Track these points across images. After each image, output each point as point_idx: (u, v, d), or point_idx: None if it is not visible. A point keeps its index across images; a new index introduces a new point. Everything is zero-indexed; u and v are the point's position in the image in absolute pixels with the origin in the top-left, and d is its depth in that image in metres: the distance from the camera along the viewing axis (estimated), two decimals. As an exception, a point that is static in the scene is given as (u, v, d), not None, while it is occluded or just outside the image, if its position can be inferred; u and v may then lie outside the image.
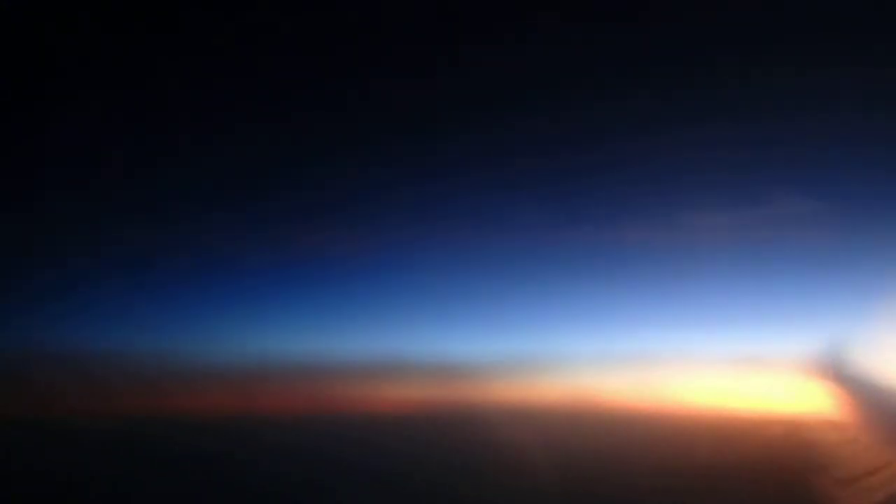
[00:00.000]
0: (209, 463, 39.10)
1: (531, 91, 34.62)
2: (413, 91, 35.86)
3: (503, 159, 43.38)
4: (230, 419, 66.98)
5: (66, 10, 23.28)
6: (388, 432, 57.46)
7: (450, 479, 32.66)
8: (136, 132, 38.94)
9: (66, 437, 49.64)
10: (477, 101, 37.45)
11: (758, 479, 31.07)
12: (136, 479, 32.97)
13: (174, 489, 30.83)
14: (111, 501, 28.82)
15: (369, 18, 27.50)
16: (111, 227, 50.85)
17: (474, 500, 27.82)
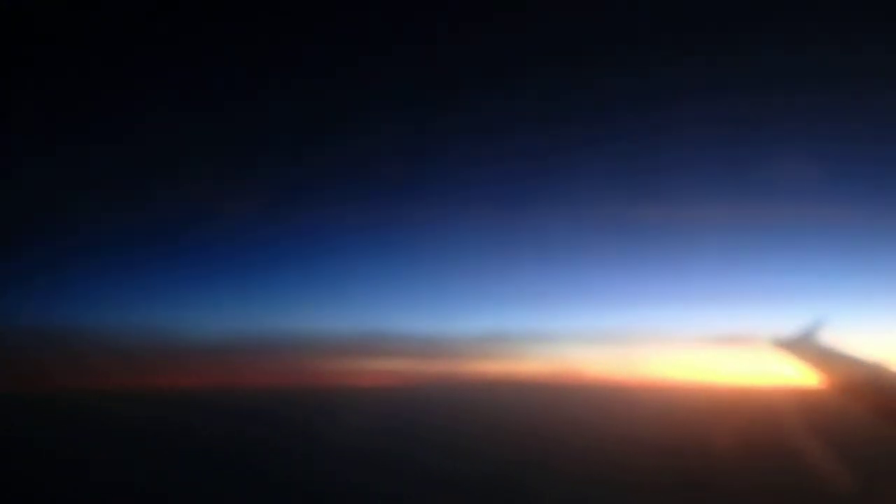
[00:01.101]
0: (196, 437, 39.39)
1: (520, 72, 34.64)
2: (399, 70, 35.71)
3: (486, 139, 43.47)
4: (216, 394, 67.16)
5: (65, 10, 23.07)
6: (373, 406, 58.03)
7: (432, 451, 33.13)
8: (125, 113, 38.60)
9: (53, 413, 49.70)
10: (465, 80, 37.41)
11: (738, 452, 31.91)
12: (124, 454, 33.17)
13: (161, 462, 31.08)
14: (99, 474, 29.05)
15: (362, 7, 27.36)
16: (97, 207, 50.48)
17: (456, 471, 28.30)
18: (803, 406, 35.38)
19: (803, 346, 10.63)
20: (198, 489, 26.92)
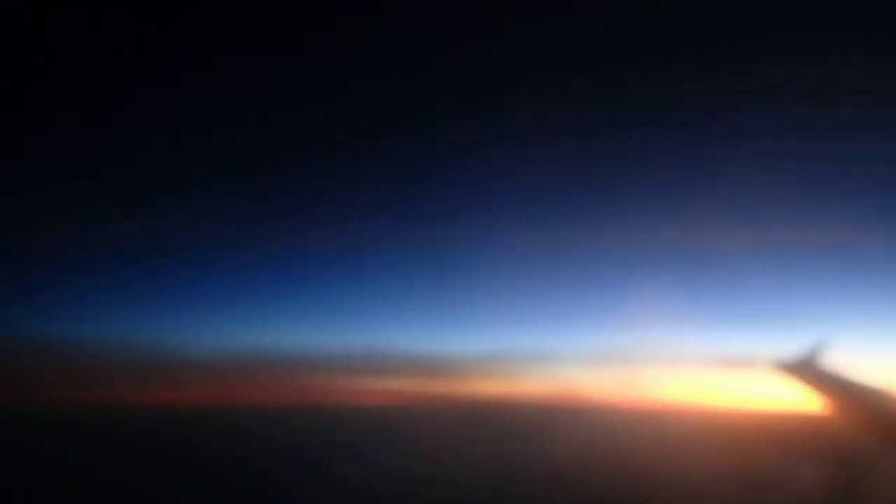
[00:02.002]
0: (199, 453, 39.24)
1: (522, 88, 34.90)
2: (400, 88, 36.05)
3: (487, 160, 43.69)
4: (219, 410, 66.92)
5: (65, 10, 23.36)
6: (373, 425, 57.77)
7: (434, 471, 32.99)
8: (129, 128, 38.94)
9: (56, 427, 49.57)
10: (463, 100, 37.73)
11: (742, 473, 31.70)
12: (126, 468, 33.08)
13: (164, 478, 30.99)
14: (102, 488, 28.98)
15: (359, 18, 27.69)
16: (101, 222, 50.71)
17: (459, 489, 28.17)
18: (806, 430, 35.19)
19: (806, 369, 10.66)
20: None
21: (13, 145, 34.00)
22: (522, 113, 36.73)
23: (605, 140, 39.36)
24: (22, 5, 21.48)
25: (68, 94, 31.59)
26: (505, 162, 42.44)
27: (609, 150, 39.87)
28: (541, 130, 38.73)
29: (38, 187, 41.43)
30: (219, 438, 45.34)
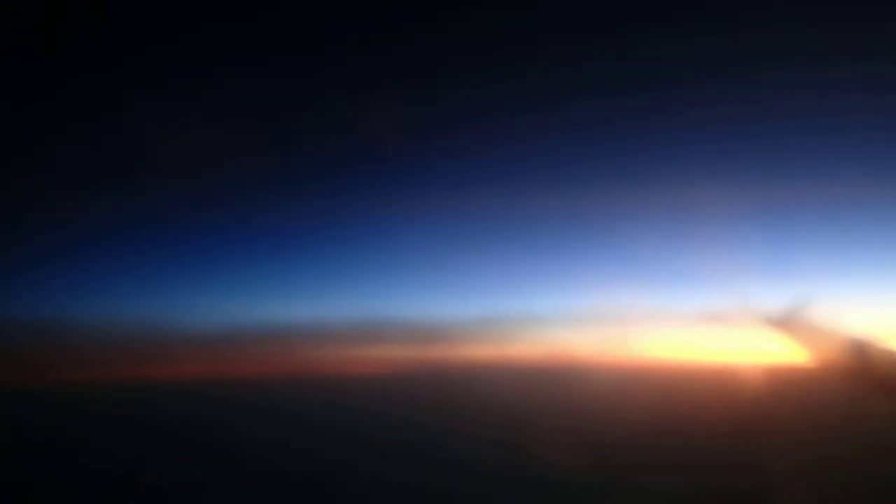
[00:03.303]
0: (193, 427, 39.40)
1: (513, 56, 34.58)
2: (390, 53, 35.54)
3: (476, 127, 43.39)
4: (212, 384, 67.12)
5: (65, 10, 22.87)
6: (368, 393, 58.18)
7: (432, 437, 33.29)
8: (117, 104, 38.32)
9: (49, 406, 49.60)
10: (456, 65, 37.30)
11: (730, 430, 32.16)
12: (121, 445, 33.19)
13: (159, 453, 31.14)
14: (97, 466, 29.07)
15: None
16: (90, 199, 50.12)
17: (456, 458, 28.46)
18: (793, 383, 35.69)
19: (792, 322, 10.71)
20: (196, 479, 26.99)
21: (9, 129, 33.54)
22: (510, 84, 36.50)
23: (588, 104, 39.15)
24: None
25: (63, 77, 31.14)
26: (491, 130, 42.16)
27: (591, 114, 39.67)
28: (525, 97, 38.45)
29: (32, 168, 40.94)
30: (217, 411, 45.53)
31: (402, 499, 24.44)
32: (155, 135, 39.43)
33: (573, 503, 23.57)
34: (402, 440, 32.72)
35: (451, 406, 44.94)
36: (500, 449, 29.53)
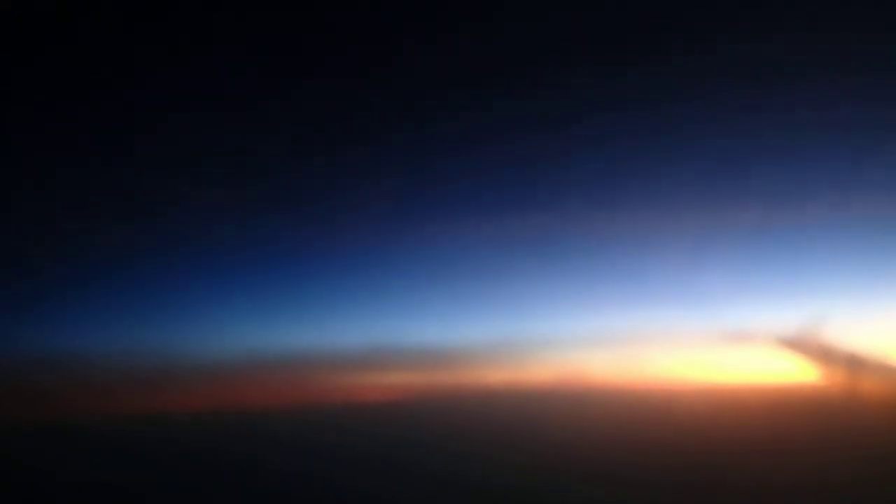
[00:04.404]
0: (210, 458, 39.32)
1: (514, 85, 35.11)
2: (397, 84, 36.17)
3: (486, 148, 43.85)
4: (226, 414, 67.05)
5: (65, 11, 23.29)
6: (385, 420, 57.99)
7: (446, 462, 33.20)
8: (127, 137, 38.99)
9: (60, 439, 49.68)
10: (461, 95, 37.90)
11: (743, 450, 32.04)
12: (135, 477, 33.20)
13: (175, 486, 31.12)
14: (110, 499, 29.08)
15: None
16: (103, 231, 50.67)
17: (470, 482, 28.39)
18: (807, 403, 35.61)
19: (806, 343, 10.95)
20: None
21: (11, 153, 34.08)
22: (518, 106, 36.97)
23: (595, 128, 39.59)
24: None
25: (67, 105, 31.75)
26: (501, 152, 42.64)
27: (600, 136, 40.10)
28: (538, 119, 38.94)
29: (36, 197, 41.55)
30: (230, 442, 45.51)
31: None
32: (162, 166, 40.04)
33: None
34: (420, 466, 32.65)
35: (467, 432, 44.83)
36: (519, 474, 29.46)
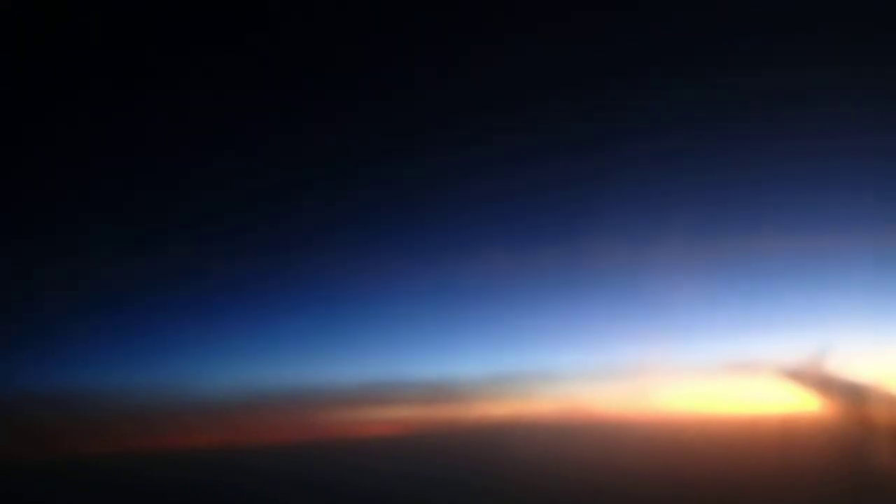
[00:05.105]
0: (211, 496, 38.99)
1: (526, 109, 35.36)
2: (398, 112, 36.54)
3: (487, 183, 44.10)
4: (227, 451, 66.44)
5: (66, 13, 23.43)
6: (386, 455, 57.48)
7: (448, 497, 32.92)
8: (125, 172, 39.32)
9: (61, 477, 49.22)
10: (460, 124, 38.22)
11: (752, 479, 31.78)
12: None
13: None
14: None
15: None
16: (103, 267, 50.84)
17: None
18: (811, 434, 35.31)
19: (810, 374, 10.97)
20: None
21: (4, 183, 34.38)
22: (516, 136, 37.23)
23: (594, 159, 39.82)
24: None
25: (60, 126, 31.98)
26: (500, 185, 42.88)
27: (598, 169, 40.33)
28: (540, 154, 39.22)
29: (32, 233, 41.78)
30: (230, 479, 45.12)
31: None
32: (162, 199, 40.26)
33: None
34: (422, 502, 32.36)
35: (470, 466, 44.46)
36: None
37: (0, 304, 51.34)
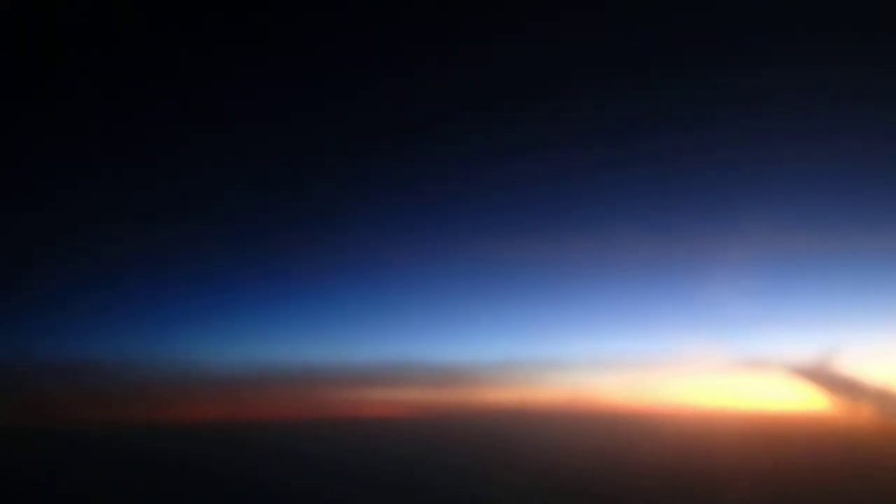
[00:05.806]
0: (211, 469, 39.40)
1: (529, 101, 35.38)
2: (409, 98, 36.57)
3: (498, 171, 44.09)
4: (231, 426, 67.19)
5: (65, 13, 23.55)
6: (390, 436, 57.91)
7: (451, 481, 33.15)
8: (136, 147, 39.60)
9: (65, 446, 49.94)
10: (474, 110, 38.22)
11: (754, 477, 31.80)
12: (136, 487, 33.27)
13: (176, 497, 31.17)
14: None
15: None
16: (111, 239, 51.22)
17: (473, 501, 28.29)
18: (818, 432, 35.31)
19: (819, 373, 10.96)
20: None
21: (14, 159, 34.68)
22: (530, 123, 37.20)
23: (610, 148, 39.75)
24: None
25: (69, 102, 32.15)
26: (512, 172, 42.86)
27: (614, 158, 40.25)
28: (547, 140, 39.16)
29: (40, 206, 42.21)
30: (234, 454, 45.56)
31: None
32: (170, 179, 40.58)
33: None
34: (424, 483, 32.57)
35: (473, 450, 44.69)
36: (523, 495, 29.34)
37: (11, 276, 52.03)
